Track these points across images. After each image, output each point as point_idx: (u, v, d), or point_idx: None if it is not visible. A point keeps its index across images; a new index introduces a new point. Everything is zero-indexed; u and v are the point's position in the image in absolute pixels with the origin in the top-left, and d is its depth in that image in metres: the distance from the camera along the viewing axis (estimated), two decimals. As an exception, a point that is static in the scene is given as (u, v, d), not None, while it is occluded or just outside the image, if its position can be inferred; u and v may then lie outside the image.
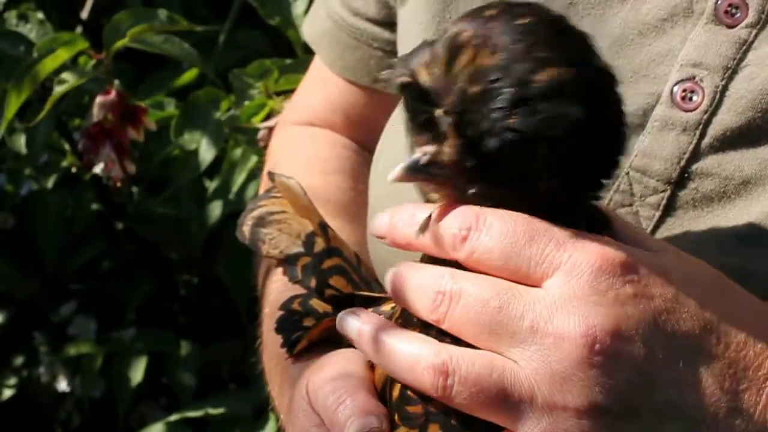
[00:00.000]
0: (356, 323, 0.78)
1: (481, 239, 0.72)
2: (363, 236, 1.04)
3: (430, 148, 0.72)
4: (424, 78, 0.71)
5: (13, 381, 2.16)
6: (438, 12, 0.95)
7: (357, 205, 1.07)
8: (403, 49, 1.01)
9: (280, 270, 0.93)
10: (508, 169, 0.70)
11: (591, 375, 0.69)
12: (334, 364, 0.81)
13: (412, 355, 0.73)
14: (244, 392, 1.90)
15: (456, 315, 0.72)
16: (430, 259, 0.77)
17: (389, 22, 1.05)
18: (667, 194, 0.84)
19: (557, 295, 0.70)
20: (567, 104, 0.69)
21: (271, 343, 0.96)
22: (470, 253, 0.72)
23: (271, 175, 0.96)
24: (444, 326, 0.72)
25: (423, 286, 0.74)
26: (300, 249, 0.91)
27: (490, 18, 0.71)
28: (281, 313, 0.90)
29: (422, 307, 0.74)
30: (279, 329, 0.90)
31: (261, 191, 1.11)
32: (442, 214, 0.74)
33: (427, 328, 0.75)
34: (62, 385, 2.10)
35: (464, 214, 0.73)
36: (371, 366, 0.80)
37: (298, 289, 0.91)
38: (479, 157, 0.70)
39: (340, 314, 0.80)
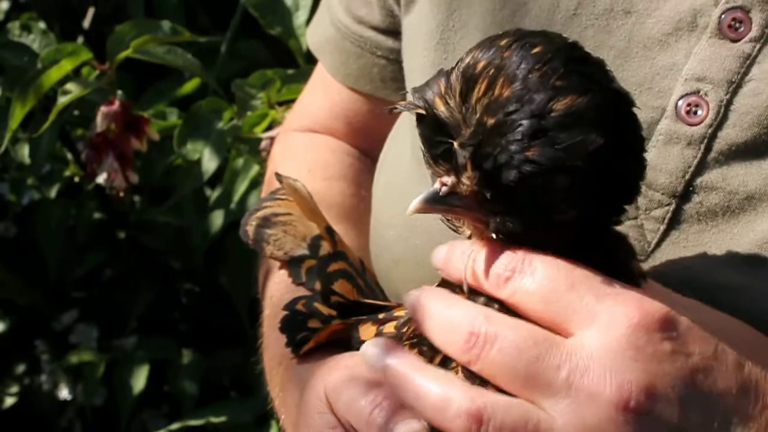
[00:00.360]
0: (380, 357, 0.76)
1: (524, 281, 0.72)
2: (365, 242, 1.04)
3: (449, 179, 0.72)
4: (441, 109, 0.71)
5: (14, 389, 2.16)
6: (442, 21, 0.95)
7: (359, 211, 1.08)
8: (408, 58, 1.01)
9: (283, 272, 0.93)
10: (527, 200, 0.70)
11: None
12: (355, 365, 0.81)
13: (444, 398, 0.71)
14: (246, 400, 1.90)
15: (490, 359, 0.71)
16: (445, 284, 0.77)
17: (393, 31, 1.06)
18: (672, 207, 0.84)
19: (594, 348, 0.70)
20: (585, 133, 0.69)
21: (273, 343, 0.96)
22: (512, 293, 0.72)
23: (279, 177, 0.96)
24: (475, 368, 0.72)
25: (454, 324, 0.73)
26: (305, 251, 0.92)
27: (504, 48, 0.71)
28: (285, 313, 0.90)
29: (451, 345, 0.73)
30: (283, 329, 0.90)
31: (263, 195, 1.11)
32: (493, 253, 0.73)
33: (447, 361, 0.74)
34: (63, 393, 2.10)
35: (512, 256, 0.73)
36: None
37: (302, 291, 0.91)
38: (498, 188, 0.70)
39: (364, 345, 0.77)
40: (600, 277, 0.72)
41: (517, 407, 0.70)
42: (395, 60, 1.06)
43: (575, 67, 0.71)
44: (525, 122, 0.68)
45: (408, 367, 0.74)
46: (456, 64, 0.72)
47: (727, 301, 0.78)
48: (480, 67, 0.71)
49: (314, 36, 1.16)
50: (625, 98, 0.73)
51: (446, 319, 0.74)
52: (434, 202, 0.72)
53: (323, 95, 1.16)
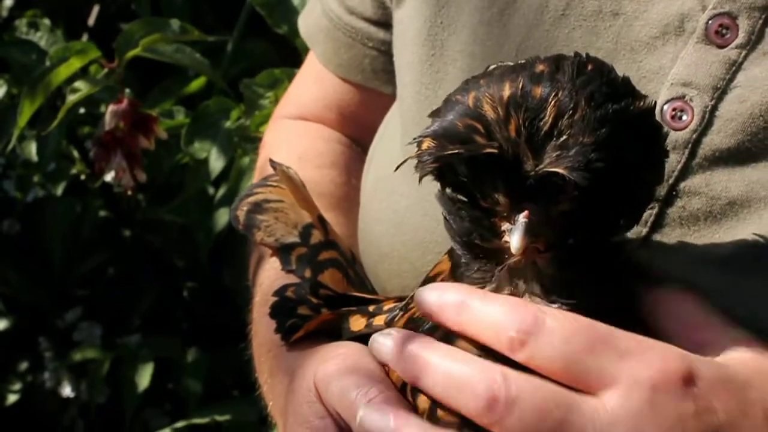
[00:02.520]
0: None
1: (542, 346, 0.70)
2: (355, 231, 1.03)
3: (526, 210, 0.70)
4: (514, 139, 0.70)
5: (17, 386, 2.16)
6: (430, 17, 0.95)
7: (350, 200, 1.07)
8: (398, 53, 1.01)
9: (273, 259, 0.93)
10: (618, 203, 0.72)
11: None
12: (347, 356, 0.80)
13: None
14: (250, 399, 1.89)
15: (510, 424, 0.69)
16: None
17: (385, 23, 1.05)
18: (655, 211, 0.83)
19: (617, 411, 0.68)
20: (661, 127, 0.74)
21: (262, 330, 0.95)
22: (529, 358, 0.70)
23: (272, 164, 0.96)
24: (495, 430, 0.70)
25: (471, 385, 0.71)
26: (296, 239, 0.92)
27: (541, 74, 0.71)
28: (275, 299, 0.89)
29: (469, 408, 0.70)
30: (273, 314, 0.89)
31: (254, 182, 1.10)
32: (496, 305, 0.72)
33: None
34: (66, 391, 2.10)
35: (521, 314, 0.71)
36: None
37: (292, 278, 0.90)
38: (601, 195, 0.70)
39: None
40: (618, 331, 0.71)
41: None
42: (386, 51, 1.06)
43: (615, 75, 0.72)
44: (630, 112, 0.71)
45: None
46: (470, 101, 0.71)
47: None
48: (538, 96, 0.70)
49: (306, 25, 1.16)
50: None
51: (455, 376, 0.71)
52: (530, 234, 0.70)
53: (315, 85, 1.16)
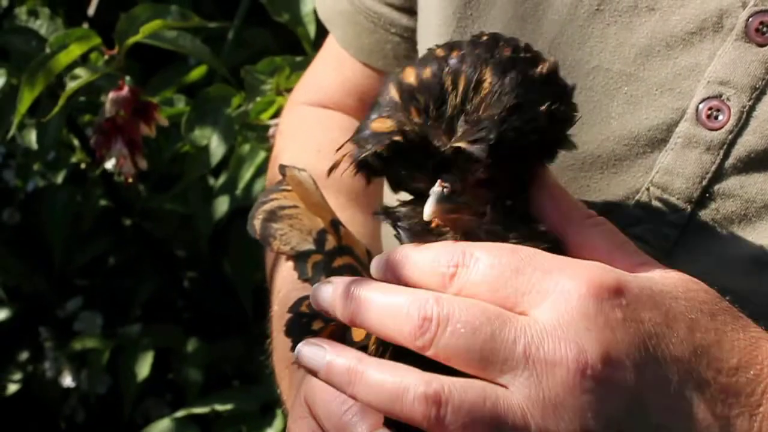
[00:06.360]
0: (324, 356, 0.75)
1: (470, 275, 0.71)
2: (375, 227, 1.02)
3: (446, 182, 0.73)
4: (419, 122, 0.74)
5: (18, 376, 2.16)
6: (459, 8, 0.94)
7: (369, 193, 1.05)
8: (422, 41, 0.99)
9: (290, 263, 0.92)
10: (526, 162, 0.75)
11: (583, 401, 0.68)
12: None
13: (399, 387, 0.70)
14: (251, 389, 1.89)
15: (443, 342, 0.70)
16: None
17: (409, 9, 1.04)
18: (687, 213, 0.83)
19: (547, 321, 0.69)
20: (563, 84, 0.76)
21: (280, 345, 0.95)
22: (459, 289, 0.71)
23: (282, 169, 0.94)
24: (429, 353, 0.70)
25: (404, 310, 0.71)
26: (311, 246, 0.90)
27: (447, 56, 0.75)
28: (290, 316, 0.88)
29: (404, 333, 0.71)
30: (288, 332, 0.88)
31: (268, 179, 1.09)
32: (432, 250, 0.74)
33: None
34: (67, 381, 2.10)
35: (451, 251, 0.72)
36: None
37: (308, 289, 0.88)
38: (511, 160, 0.73)
39: (298, 345, 0.77)
40: (543, 253, 0.72)
41: (474, 386, 0.69)
42: (409, 38, 1.05)
43: (512, 41, 0.76)
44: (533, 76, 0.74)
45: (353, 361, 0.73)
46: (391, 89, 0.76)
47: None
48: (442, 76, 0.74)
49: (324, 7, 1.14)
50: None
51: (390, 306, 0.72)
52: (447, 202, 0.72)
53: (335, 70, 1.14)
